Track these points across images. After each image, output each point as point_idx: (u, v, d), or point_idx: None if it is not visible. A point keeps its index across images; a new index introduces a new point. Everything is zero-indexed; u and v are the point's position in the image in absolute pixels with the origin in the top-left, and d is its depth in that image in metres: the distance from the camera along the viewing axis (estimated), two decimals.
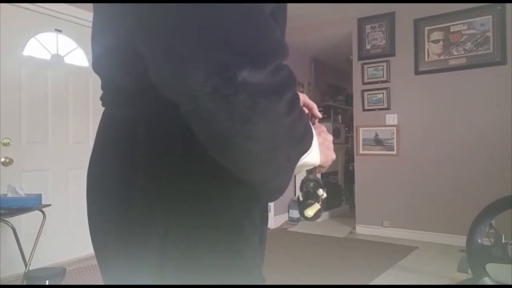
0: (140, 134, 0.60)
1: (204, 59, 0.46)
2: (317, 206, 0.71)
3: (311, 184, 0.73)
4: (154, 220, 0.59)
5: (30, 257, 2.74)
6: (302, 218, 0.74)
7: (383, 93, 4.47)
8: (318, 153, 0.66)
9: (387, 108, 4.46)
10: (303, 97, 1.01)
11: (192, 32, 0.46)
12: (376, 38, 4.52)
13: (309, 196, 0.72)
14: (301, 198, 0.73)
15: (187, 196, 0.58)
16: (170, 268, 0.58)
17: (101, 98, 0.71)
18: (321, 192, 0.72)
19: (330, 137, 0.73)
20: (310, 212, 0.70)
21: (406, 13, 4.33)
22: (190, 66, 0.46)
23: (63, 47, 3.56)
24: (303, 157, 0.61)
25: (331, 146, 0.73)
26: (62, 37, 3.54)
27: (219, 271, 0.59)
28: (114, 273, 0.65)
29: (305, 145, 0.61)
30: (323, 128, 0.74)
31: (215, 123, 0.49)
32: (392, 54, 4.43)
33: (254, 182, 0.57)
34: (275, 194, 0.59)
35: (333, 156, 0.72)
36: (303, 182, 0.74)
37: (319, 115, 0.90)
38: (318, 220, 5.20)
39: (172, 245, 0.58)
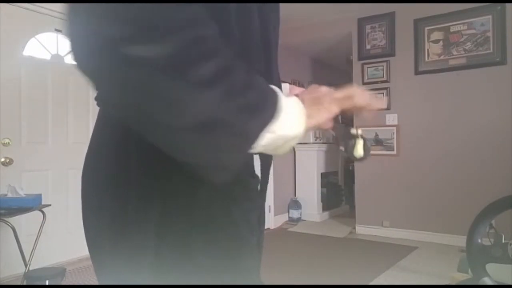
0: (134, 134, 0.59)
1: (94, 34, 0.45)
2: (360, 142, 0.66)
3: (342, 130, 0.69)
4: (148, 220, 0.58)
5: (30, 257, 2.74)
6: (356, 159, 0.67)
7: (383, 93, 4.47)
8: (298, 121, 0.59)
9: (387, 108, 4.44)
10: (302, 91, 1.00)
11: (88, 8, 0.46)
12: (376, 38, 4.52)
13: (347, 141, 0.68)
14: (342, 148, 0.70)
15: (183, 197, 0.58)
16: (166, 269, 0.57)
17: (96, 98, 0.70)
18: (355, 131, 0.68)
19: (320, 90, 0.65)
20: (359, 151, 0.66)
21: (406, 13, 4.32)
22: (84, 43, 0.46)
23: (63, 47, 3.56)
24: (269, 129, 0.55)
25: (325, 99, 0.64)
26: (62, 37, 3.54)
27: (216, 272, 0.58)
28: (109, 274, 0.65)
29: (264, 117, 0.54)
30: (314, 86, 0.68)
31: (123, 105, 0.48)
32: (392, 54, 4.43)
33: (191, 163, 0.53)
34: (220, 174, 0.54)
35: (329, 110, 0.64)
36: (336, 135, 0.70)
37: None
38: (318, 220, 5.20)
39: (167, 245, 0.57)
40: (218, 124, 0.50)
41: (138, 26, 0.45)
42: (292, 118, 0.58)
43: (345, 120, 0.82)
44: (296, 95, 0.62)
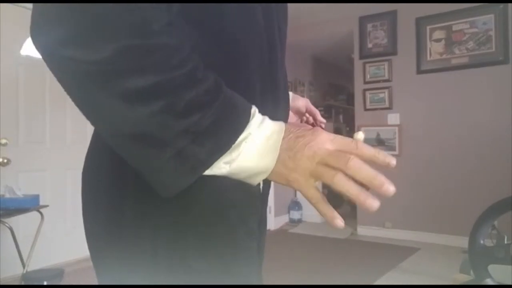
0: None
1: (43, 33, 0.46)
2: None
3: None
4: (144, 222, 0.57)
5: (28, 258, 2.73)
6: None
7: (385, 92, 4.44)
8: (266, 154, 0.53)
9: (389, 108, 4.43)
10: (305, 102, 0.97)
11: (45, 9, 0.46)
12: (378, 36, 4.49)
13: None
14: None
15: (180, 200, 0.56)
16: (161, 272, 0.56)
17: None
18: (357, 135, 0.55)
19: (314, 138, 0.52)
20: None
21: (408, 12, 4.30)
22: (40, 43, 0.48)
23: None
24: (224, 159, 0.51)
25: (308, 150, 0.51)
26: None
27: (210, 278, 0.57)
28: (105, 276, 0.64)
29: (212, 145, 0.50)
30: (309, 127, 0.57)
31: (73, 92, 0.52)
32: (394, 53, 4.40)
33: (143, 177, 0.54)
34: (162, 191, 0.53)
35: (304, 159, 0.51)
36: None
37: (323, 119, 0.88)
38: (319, 221, 5.17)
39: (163, 248, 0.56)
40: (148, 139, 0.49)
41: (78, 28, 0.44)
42: (256, 148, 0.52)
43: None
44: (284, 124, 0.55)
